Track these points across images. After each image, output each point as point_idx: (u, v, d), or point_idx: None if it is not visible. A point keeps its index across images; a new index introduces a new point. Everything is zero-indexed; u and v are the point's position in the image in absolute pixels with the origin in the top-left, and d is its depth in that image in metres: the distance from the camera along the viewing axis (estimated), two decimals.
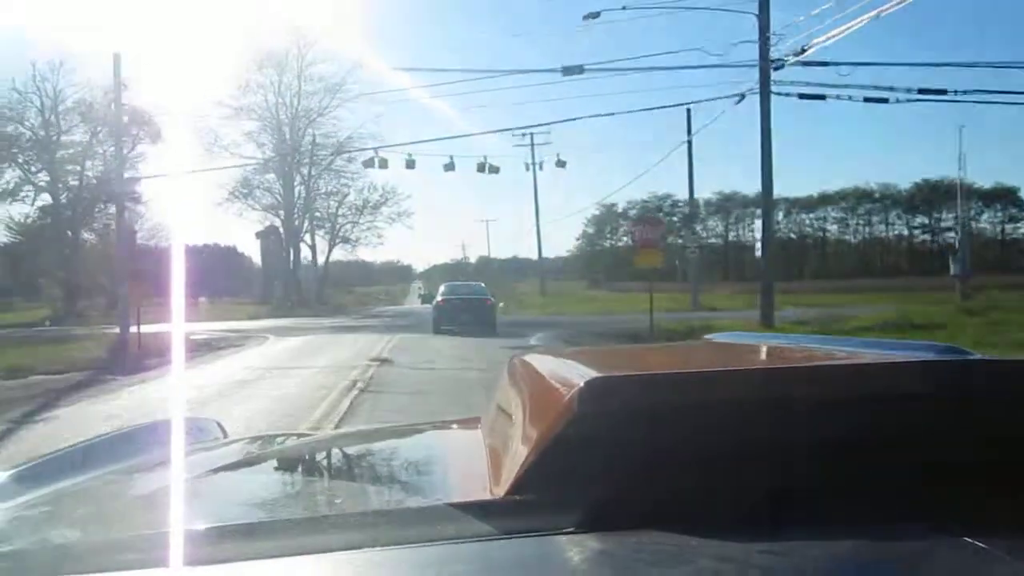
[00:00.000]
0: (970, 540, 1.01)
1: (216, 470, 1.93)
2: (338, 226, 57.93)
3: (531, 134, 51.09)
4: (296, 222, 53.28)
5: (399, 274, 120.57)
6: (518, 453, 1.45)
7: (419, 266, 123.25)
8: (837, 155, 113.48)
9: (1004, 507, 1.17)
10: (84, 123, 47.74)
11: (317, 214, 56.19)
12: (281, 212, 52.17)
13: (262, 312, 40.50)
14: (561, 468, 1.30)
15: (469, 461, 1.79)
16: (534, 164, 51.77)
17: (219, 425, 2.61)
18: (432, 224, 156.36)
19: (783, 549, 1.04)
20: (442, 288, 30.53)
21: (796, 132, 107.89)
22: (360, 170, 53.42)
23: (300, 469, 2.09)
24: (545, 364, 1.78)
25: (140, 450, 2.06)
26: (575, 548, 1.11)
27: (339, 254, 59.31)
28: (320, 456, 2.28)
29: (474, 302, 28.24)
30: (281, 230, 52.69)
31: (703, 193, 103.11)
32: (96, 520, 1.54)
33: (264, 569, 1.02)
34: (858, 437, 1.29)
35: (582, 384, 1.36)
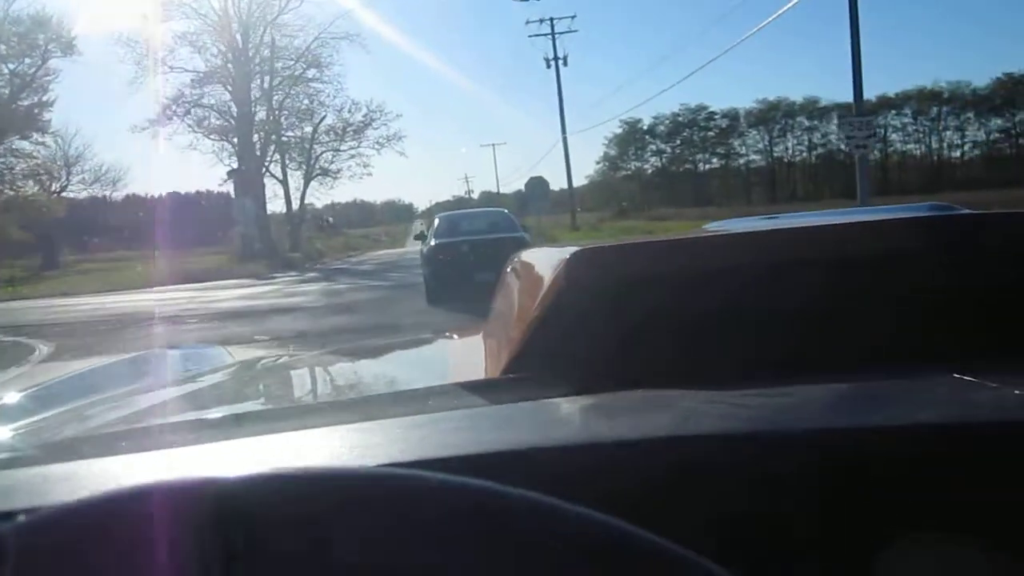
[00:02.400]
0: (959, 376, 1.06)
1: (215, 383, 2.03)
2: (314, 155, 47.10)
3: (551, 20, 39.88)
4: (258, 151, 42.19)
5: (400, 214, 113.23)
6: (512, 337, 1.48)
7: (421, 204, 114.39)
8: (897, 51, 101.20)
9: (993, 344, 1.22)
10: None
11: (286, 137, 45.12)
12: (234, 138, 40.85)
13: (197, 270, 29.75)
14: (553, 343, 1.32)
15: (468, 357, 1.89)
16: (556, 57, 40.47)
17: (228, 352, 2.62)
18: (433, 156, 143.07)
19: (772, 392, 1.07)
20: (436, 223, 16.61)
21: (841, 28, 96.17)
22: (336, 80, 42.78)
23: (304, 376, 2.18)
24: (540, 254, 1.78)
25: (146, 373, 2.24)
26: (564, 406, 1.11)
27: (338, 194, 48.26)
28: (322, 366, 2.31)
29: (498, 244, 13.30)
30: (235, 162, 41.35)
31: (742, 103, 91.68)
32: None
33: (271, 442, 1.00)
34: (840, 294, 1.35)
35: (568, 256, 1.43)
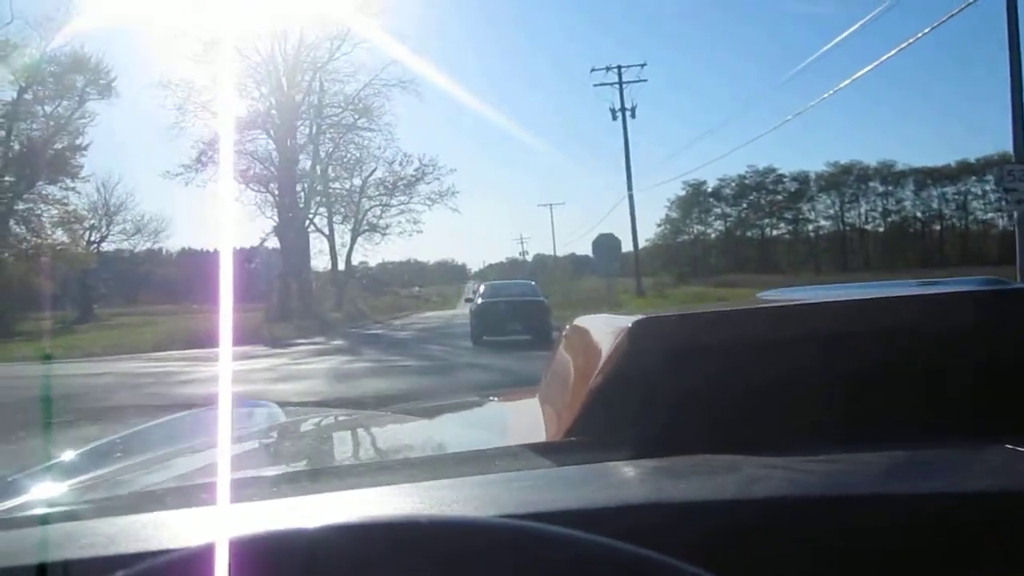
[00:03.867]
0: (1010, 446, 1.09)
1: (278, 439, 2.06)
2: (362, 209, 44.52)
3: (619, 68, 37.05)
4: (302, 203, 39.61)
5: (454, 274, 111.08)
6: (573, 401, 1.52)
7: (474, 265, 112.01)
8: (977, 116, 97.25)
9: None
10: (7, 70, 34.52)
11: (332, 189, 42.53)
12: (275, 187, 38.25)
13: (214, 332, 26.95)
14: (613, 408, 1.37)
15: (526, 421, 1.88)
16: (623, 108, 37.33)
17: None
18: (487, 214, 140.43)
19: (831, 459, 1.10)
20: (482, 288, 24.12)
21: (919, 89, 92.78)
22: (387, 130, 40.20)
23: (361, 436, 2.16)
24: (598, 321, 1.82)
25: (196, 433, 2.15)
26: (627, 468, 1.14)
27: (390, 252, 45.74)
28: (380, 426, 2.31)
29: (524, 305, 21.47)
30: (274, 217, 38.62)
31: (812, 165, 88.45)
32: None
33: (348, 497, 1.03)
34: (892, 366, 1.39)
35: (630, 324, 1.48)
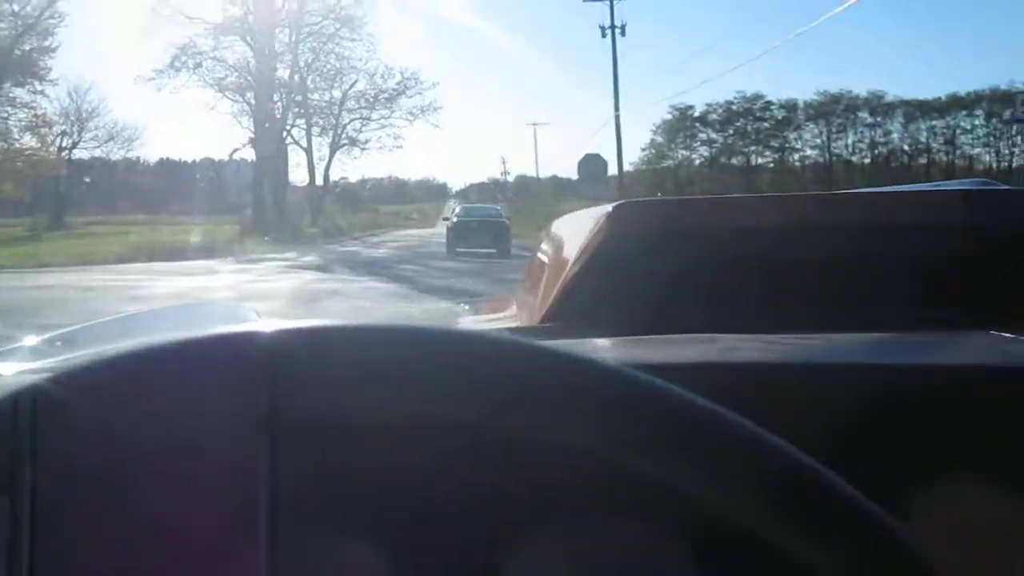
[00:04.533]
0: (993, 332, 1.10)
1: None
2: (341, 123, 43.44)
3: None
4: (279, 114, 38.53)
5: (435, 192, 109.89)
6: (547, 291, 1.49)
7: (456, 184, 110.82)
8: (969, 49, 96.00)
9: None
10: None
11: (312, 101, 41.35)
12: (251, 97, 37.11)
13: (186, 244, 26.13)
14: (590, 294, 1.35)
15: (497, 323, 1.88)
16: (613, 26, 36.02)
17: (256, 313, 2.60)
18: (470, 133, 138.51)
19: (810, 336, 1.10)
20: (457, 209, 30.70)
21: (912, 22, 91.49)
22: (368, 40, 39.09)
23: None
24: (577, 215, 1.82)
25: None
26: (596, 341, 1.10)
27: (372, 169, 44.88)
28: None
29: (490, 224, 26.73)
30: (250, 127, 37.47)
31: (802, 93, 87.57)
32: None
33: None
34: (879, 258, 1.41)
35: (610, 209, 1.48)
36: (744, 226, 1.45)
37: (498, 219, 27.73)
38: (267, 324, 0.47)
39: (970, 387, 0.83)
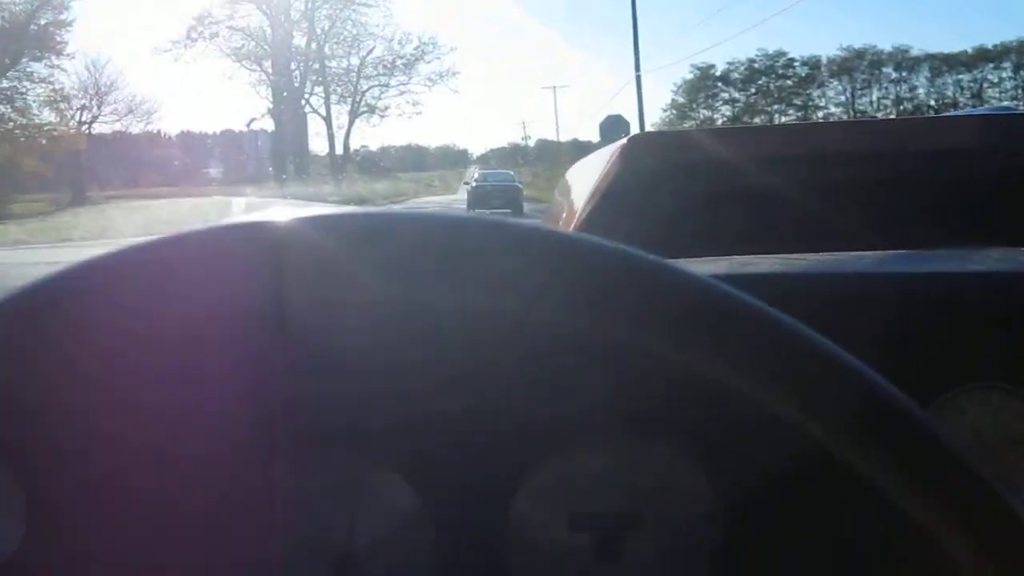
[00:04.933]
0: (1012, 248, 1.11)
1: None
2: (360, 90, 43.14)
3: None
4: (296, 83, 38.28)
5: (455, 159, 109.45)
6: (566, 222, 1.51)
7: (476, 150, 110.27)
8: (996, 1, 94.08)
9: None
10: None
11: (330, 67, 41.02)
12: (269, 66, 36.87)
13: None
14: (607, 229, 1.32)
15: None
16: None
17: None
18: (490, 98, 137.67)
19: (827, 255, 1.11)
20: (476, 175, 35.41)
21: None
22: (385, 5, 38.74)
23: None
24: (592, 155, 1.79)
25: None
26: None
27: (393, 136, 44.66)
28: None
29: (504, 188, 31.48)
30: (268, 97, 37.29)
31: (825, 50, 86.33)
32: None
33: None
34: (893, 186, 1.41)
35: (625, 141, 1.48)
36: (760, 155, 1.44)
37: (511, 183, 33.00)
38: (276, 214, 0.45)
39: (990, 292, 0.83)
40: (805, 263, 1.04)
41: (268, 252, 0.43)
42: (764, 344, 0.44)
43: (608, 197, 1.43)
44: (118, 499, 0.59)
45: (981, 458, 0.65)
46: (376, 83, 43.65)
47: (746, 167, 1.40)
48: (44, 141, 35.80)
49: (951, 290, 0.83)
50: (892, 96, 70.02)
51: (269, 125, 39.12)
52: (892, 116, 69.56)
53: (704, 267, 0.99)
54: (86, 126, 44.03)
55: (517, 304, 0.44)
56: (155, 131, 54.24)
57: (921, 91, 69.00)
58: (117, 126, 48.36)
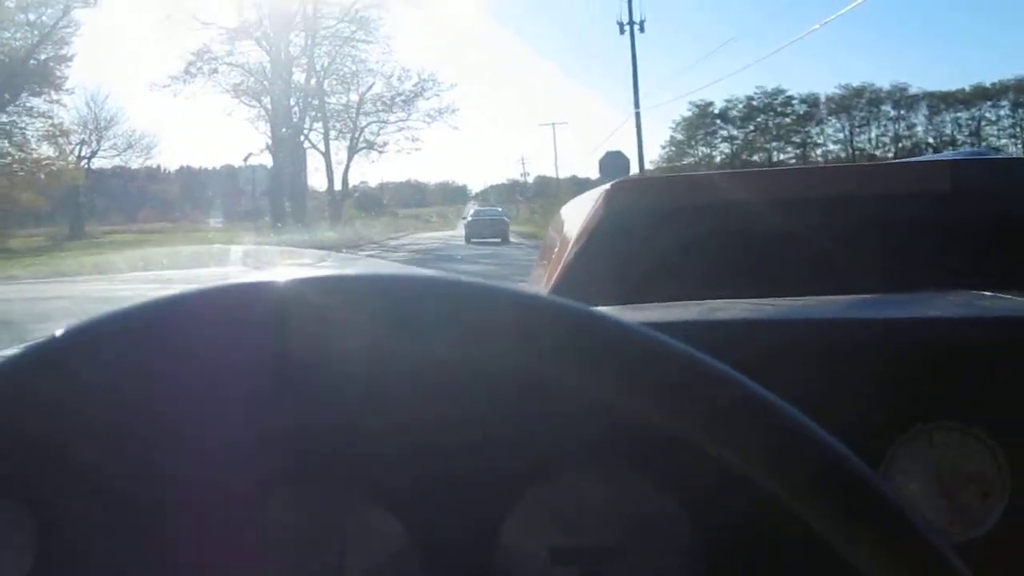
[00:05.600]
0: (972, 291, 1.14)
1: None
2: (359, 126, 43.16)
3: None
4: (295, 118, 38.29)
5: (455, 195, 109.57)
6: (552, 270, 1.52)
7: (475, 186, 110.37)
8: (994, 39, 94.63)
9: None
10: None
11: (329, 104, 41.06)
12: (267, 100, 36.88)
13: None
14: (590, 272, 1.38)
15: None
16: (632, 22, 35.43)
17: None
18: (489, 134, 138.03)
19: (803, 299, 1.14)
20: (471, 211, 41.10)
21: (934, 13, 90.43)
22: (385, 42, 38.86)
23: None
24: (579, 199, 1.84)
25: None
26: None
27: (391, 172, 44.79)
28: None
29: (494, 221, 38.75)
30: (267, 132, 37.25)
31: (823, 87, 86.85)
32: None
33: None
34: (871, 227, 1.44)
35: (608, 187, 1.53)
36: (737, 200, 1.48)
37: (500, 217, 40.80)
38: (279, 274, 0.47)
39: (935, 336, 0.84)
40: (772, 308, 1.04)
41: (269, 311, 0.46)
42: (711, 401, 0.45)
43: (593, 239, 1.46)
44: (128, 532, 0.61)
45: (940, 496, 0.74)
46: (375, 119, 43.63)
47: (725, 211, 1.44)
48: (42, 176, 35.71)
49: (909, 335, 0.84)
50: (891, 133, 70.30)
51: (267, 160, 39.02)
52: (890, 153, 69.80)
53: (672, 313, 1.02)
54: (85, 161, 44.05)
55: (486, 354, 0.46)
56: (155, 166, 54.33)
57: (920, 128, 69.28)
58: (116, 161, 48.41)
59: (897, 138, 70.02)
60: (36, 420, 0.46)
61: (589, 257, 1.44)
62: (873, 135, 70.85)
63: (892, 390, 0.77)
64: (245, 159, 38.73)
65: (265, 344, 0.46)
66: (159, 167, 56.52)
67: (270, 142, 37.39)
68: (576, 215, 1.63)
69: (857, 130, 71.11)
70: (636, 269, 1.35)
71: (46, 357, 0.45)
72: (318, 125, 41.54)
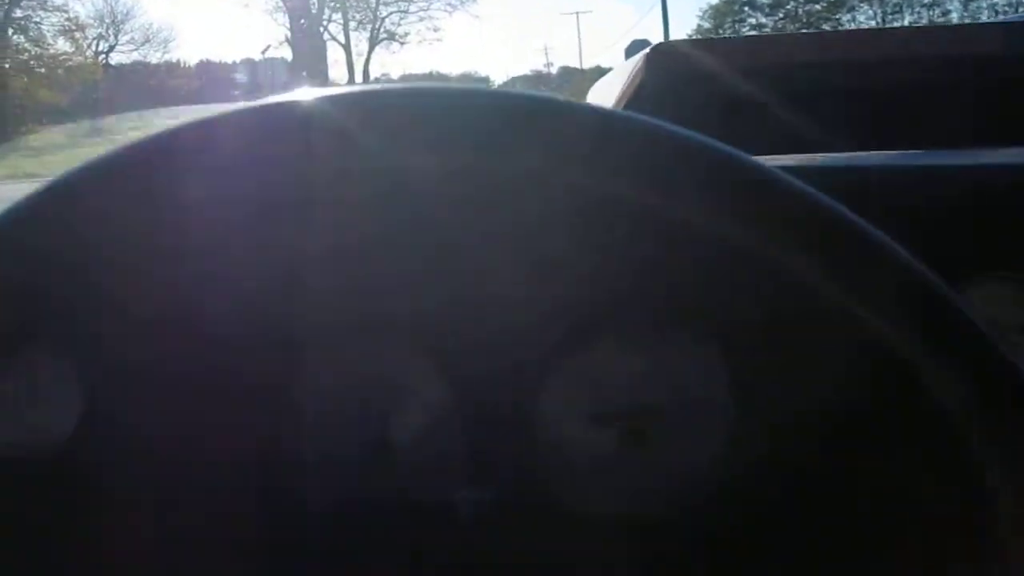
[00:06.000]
0: None
1: None
2: (379, 16, 42.30)
3: None
4: (314, 7, 37.49)
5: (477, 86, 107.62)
6: None
7: (498, 77, 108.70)
8: None
9: None
10: None
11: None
12: None
13: None
14: None
15: None
16: None
17: None
18: (510, 22, 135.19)
19: (845, 154, 1.11)
20: None
21: None
22: None
23: None
24: (614, 71, 1.76)
25: None
26: None
27: (414, 64, 44.08)
28: None
29: None
30: (286, 24, 36.57)
31: None
32: None
33: None
34: (925, 91, 1.40)
35: (648, 51, 1.47)
36: (781, 63, 1.46)
37: None
38: (304, 93, 0.45)
39: (1009, 184, 0.82)
40: (829, 158, 1.01)
41: (296, 128, 0.43)
42: (809, 222, 0.43)
43: (632, 105, 1.42)
44: (168, 386, 0.60)
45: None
46: (396, 8, 42.80)
47: (768, 74, 1.42)
48: (60, 72, 35.29)
49: (969, 181, 0.82)
50: (924, 20, 68.29)
51: (285, 53, 38.39)
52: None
53: None
54: (103, 56, 43.47)
55: (546, 167, 0.43)
56: (174, 60, 53.60)
57: (954, 15, 67.16)
58: (135, 56, 47.74)
59: (931, 24, 68.15)
60: (64, 256, 0.44)
61: None
62: (906, 21, 68.85)
63: (950, 237, 0.75)
64: (263, 52, 38.14)
65: (293, 160, 0.44)
66: (179, 61, 55.77)
67: (289, 34, 36.76)
68: (611, 87, 1.59)
69: (889, 17, 69.14)
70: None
71: (70, 188, 0.44)
72: (337, 16, 40.77)
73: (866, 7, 70.75)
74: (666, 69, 1.46)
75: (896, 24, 68.83)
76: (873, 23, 69.54)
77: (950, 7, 67.72)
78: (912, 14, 68.86)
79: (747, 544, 0.61)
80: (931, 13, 68.01)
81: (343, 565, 0.61)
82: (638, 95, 1.44)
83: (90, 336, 0.58)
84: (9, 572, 0.58)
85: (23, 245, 0.43)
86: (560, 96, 0.43)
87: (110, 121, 43.60)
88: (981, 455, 0.42)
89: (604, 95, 1.65)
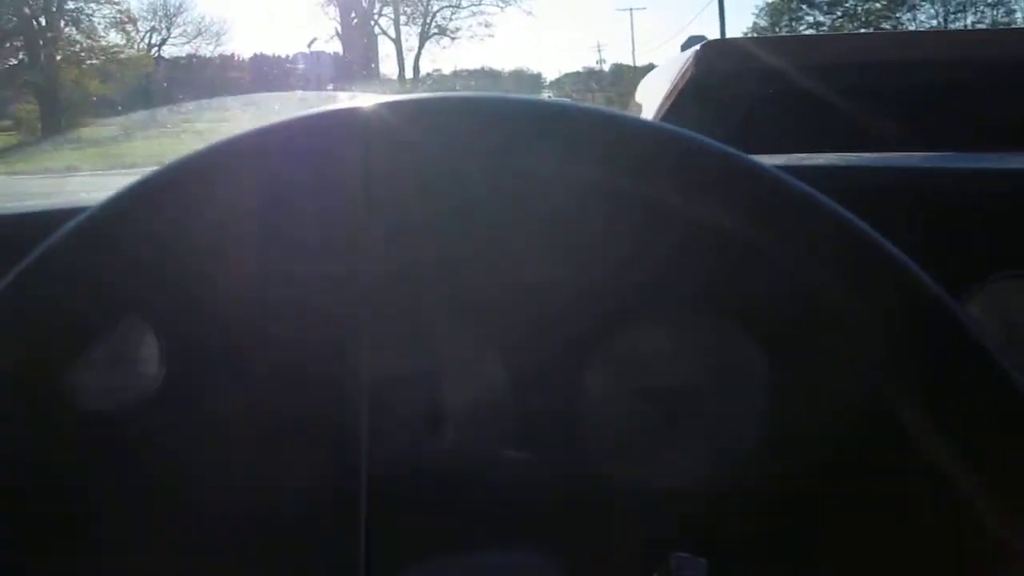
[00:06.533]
0: None
1: None
2: (431, 11, 41.97)
3: None
4: (364, 2, 37.27)
5: (529, 83, 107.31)
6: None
7: (550, 74, 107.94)
8: None
9: None
10: None
11: None
12: None
13: None
14: (678, 124, 1.43)
15: None
16: None
17: None
18: (563, 19, 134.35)
19: (872, 155, 1.13)
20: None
21: None
22: None
23: None
24: (665, 64, 1.84)
25: None
26: None
27: (465, 60, 43.61)
28: None
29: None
30: (336, 18, 36.38)
31: None
32: None
33: None
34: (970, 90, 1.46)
35: (698, 47, 1.51)
36: (826, 63, 1.49)
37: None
38: (362, 102, 0.47)
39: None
40: (857, 159, 1.03)
41: (358, 134, 0.45)
42: (816, 226, 0.44)
43: (682, 98, 1.47)
44: (243, 353, 0.64)
45: (1011, 346, 0.74)
46: (447, 3, 42.43)
47: (815, 73, 1.44)
48: (113, 64, 35.39)
49: (985, 183, 0.84)
50: (987, 20, 66.61)
51: (334, 47, 38.24)
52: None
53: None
54: (155, 49, 43.63)
55: (592, 172, 0.45)
56: (228, 53, 53.79)
57: (1019, 15, 65.39)
58: (187, 48, 47.88)
59: (995, 25, 66.45)
60: (159, 238, 0.46)
61: (678, 114, 1.40)
62: (969, 22, 67.20)
63: (966, 238, 0.77)
64: (309, 44, 38.07)
65: (355, 162, 0.46)
66: (232, 55, 56.01)
67: (339, 28, 36.59)
68: (661, 81, 1.62)
69: (952, 16, 67.51)
70: (726, 127, 1.26)
71: (169, 182, 0.46)
72: (388, 10, 40.51)
73: (927, 6, 69.30)
74: (715, 65, 1.51)
75: (958, 25, 67.35)
76: (934, 22, 68.09)
77: (1015, 7, 66.19)
78: (975, 13, 67.33)
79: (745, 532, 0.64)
80: (995, 13, 66.38)
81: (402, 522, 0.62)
82: (687, 88, 1.47)
83: (179, 312, 0.62)
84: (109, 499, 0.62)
85: (138, 230, 0.45)
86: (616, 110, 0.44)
87: (163, 113, 43.80)
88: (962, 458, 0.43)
89: (654, 88, 1.66)
